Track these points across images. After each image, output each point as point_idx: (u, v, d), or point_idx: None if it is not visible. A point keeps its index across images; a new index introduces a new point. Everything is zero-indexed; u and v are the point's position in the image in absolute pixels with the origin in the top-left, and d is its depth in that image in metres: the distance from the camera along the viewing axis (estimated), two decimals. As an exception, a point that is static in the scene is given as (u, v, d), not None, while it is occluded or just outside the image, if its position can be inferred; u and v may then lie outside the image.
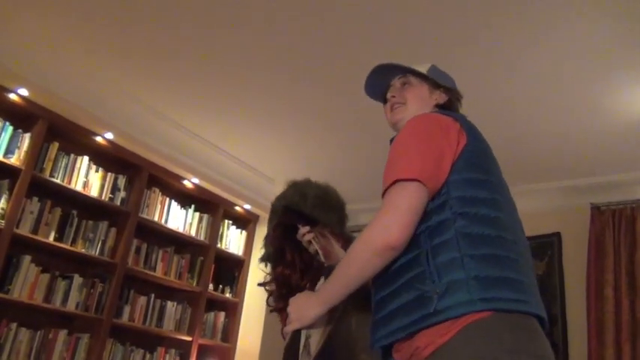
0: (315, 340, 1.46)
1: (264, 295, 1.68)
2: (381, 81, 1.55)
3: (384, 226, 1.18)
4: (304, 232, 1.54)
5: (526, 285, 1.18)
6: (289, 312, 1.36)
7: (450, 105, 1.50)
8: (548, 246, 3.88)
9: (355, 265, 1.23)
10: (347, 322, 1.46)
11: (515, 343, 1.10)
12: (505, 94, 3.08)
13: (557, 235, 3.87)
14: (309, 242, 1.54)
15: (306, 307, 1.33)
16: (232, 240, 4.68)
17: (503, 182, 1.34)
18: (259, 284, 1.64)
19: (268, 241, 1.64)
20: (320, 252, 1.53)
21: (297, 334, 1.53)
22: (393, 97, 1.51)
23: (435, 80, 1.52)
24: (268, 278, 1.60)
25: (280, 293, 1.55)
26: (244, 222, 4.83)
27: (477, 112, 3.54)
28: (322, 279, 1.56)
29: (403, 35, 2.70)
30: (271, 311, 1.59)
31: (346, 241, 1.65)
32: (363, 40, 2.78)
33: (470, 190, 1.23)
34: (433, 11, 2.52)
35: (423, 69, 1.53)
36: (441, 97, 1.50)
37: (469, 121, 1.37)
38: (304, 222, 1.55)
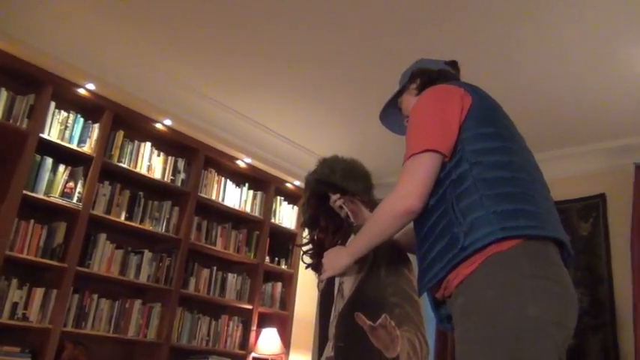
0: (347, 285, 1.70)
1: None
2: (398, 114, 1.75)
3: (404, 194, 1.36)
4: (335, 199, 1.77)
5: (541, 214, 1.30)
6: (323, 263, 1.60)
7: (433, 78, 1.61)
8: (593, 207, 3.91)
9: (379, 225, 1.44)
10: (377, 271, 1.69)
11: (533, 269, 1.21)
12: (547, 59, 3.12)
13: (602, 196, 3.89)
14: (340, 207, 1.77)
15: (337, 258, 1.57)
16: (285, 215, 4.92)
17: (516, 133, 1.46)
18: (296, 245, 1.89)
19: (304, 209, 1.88)
20: (350, 214, 1.74)
21: (331, 281, 1.77)
22: (406, 119, 1.70)
23: (406, 81, 1.69)
24: (305, 241, 1.84)
25: (315, 252, 1.79)
26: (295, 198, 5.02)
27: (517, 79, 3.54)
28: (352, 236, 1.78)
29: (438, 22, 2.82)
30: (306, 267, 1.83)
31: (373, 206, 1.85)
32: (413, 24, 2.92)
33: (481, 142, 1.36)
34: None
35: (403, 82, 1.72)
36: (417, 82, 1.66)
37: (474, 85, 1.50)
38: (334, 191, 1.77)
